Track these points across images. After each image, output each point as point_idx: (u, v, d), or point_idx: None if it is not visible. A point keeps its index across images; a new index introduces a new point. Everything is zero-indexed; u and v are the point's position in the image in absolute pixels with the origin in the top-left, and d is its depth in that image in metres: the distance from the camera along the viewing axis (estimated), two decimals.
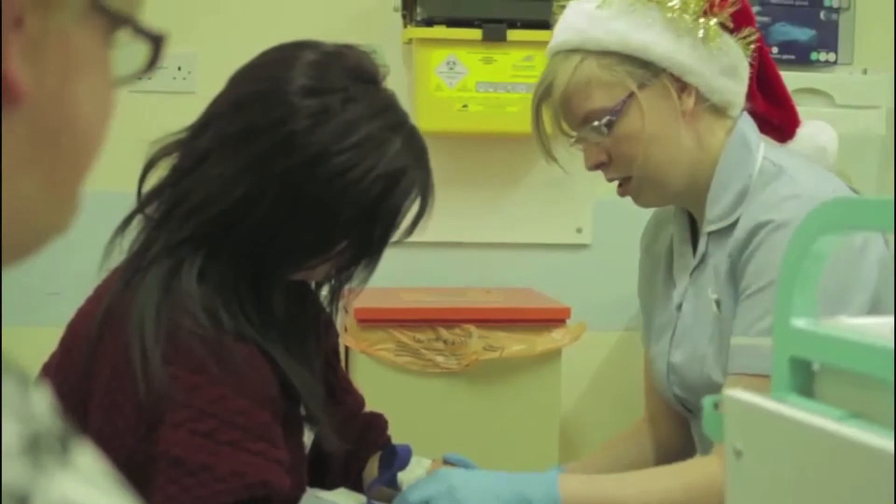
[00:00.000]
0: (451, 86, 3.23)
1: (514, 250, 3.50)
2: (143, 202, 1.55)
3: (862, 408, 0.85)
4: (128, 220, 1.55)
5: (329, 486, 1.78)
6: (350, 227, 1.52)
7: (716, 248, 1.71)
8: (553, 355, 3.07)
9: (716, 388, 1.61)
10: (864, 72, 3.48)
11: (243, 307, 1.50)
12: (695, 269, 1.75)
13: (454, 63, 3.23)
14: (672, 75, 1.69)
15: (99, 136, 0.58)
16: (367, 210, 1.51)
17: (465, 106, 3.24)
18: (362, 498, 1.75)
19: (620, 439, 2.04)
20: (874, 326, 0.90)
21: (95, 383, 1.47)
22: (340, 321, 3.23)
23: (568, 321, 3.10)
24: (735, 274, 1.65)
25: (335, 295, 1.68)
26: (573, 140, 1.77)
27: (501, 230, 3.48)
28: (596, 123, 1.71)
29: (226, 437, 1.42)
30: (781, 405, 0.87)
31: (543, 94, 1.75)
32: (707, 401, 0.93)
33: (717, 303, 1.68)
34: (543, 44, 3.30)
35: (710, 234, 1.72)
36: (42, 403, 0.50)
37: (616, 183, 1.79)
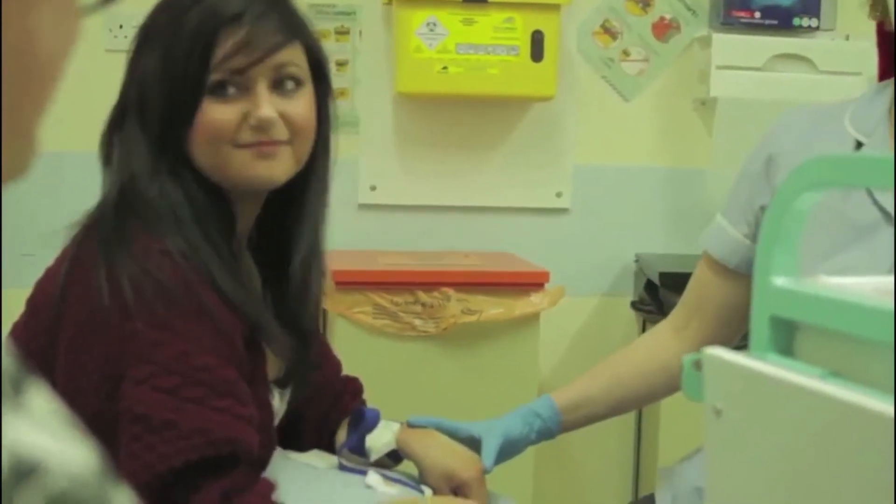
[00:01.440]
0: (432, 47, 3.21)
1: (494, 214, 3.49)
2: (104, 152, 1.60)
3: (842, 366, 0.84)
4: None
5: (302, 448, 1.77)
6: (186, 54, 1.53)
7: None
8: (531, 319, 3.06)
9: None
10: (847, 38, 3.46)
11: (210, 237, 1.51)
12: None
13: (434, 24, 3.20)
14: None
15: (60, 68, 0.56)
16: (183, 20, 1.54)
17: (444, 68, 3.21)
18: (334, 460, 1.74)
19: (630, 361, 1.97)
20: (853, 285, 0.89)
21: (60, 342, 1.46)
22: None
23: (546, 285, 3.10)
24: None
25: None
26: None
27: (481, 194, 3.47)
28: None
29: (190, 393, 1.41)
30: (761, 363, 0.86)
31: None
32: (686, 359, 0.92)
33: None
34: (524, 5, 3.32)
35: None
36: None
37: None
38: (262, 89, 1.52)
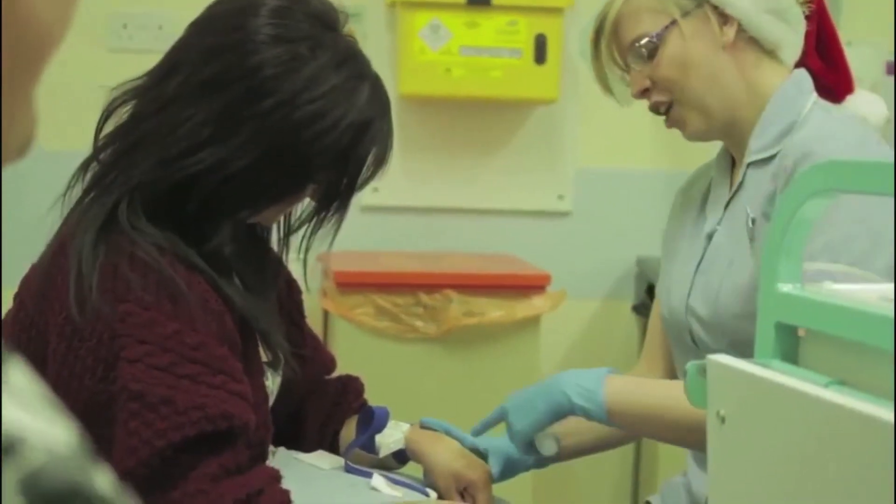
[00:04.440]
0: (435, 49, 3.21)
1: (496, 216, 3.49)
2: (100, 148, 1.55)
3: (846, 374, 0.84)
4: (84, 167, 1.56)
5: (306, 448, 1.77)
6: (317, 175, 1.55)
7: (755, 177, 1.77)
8: (532, 322, 3.06)
9: (741, 315, 1.66)
10: (849, 44, 3.46)
11: (191, 244, 1.52)
12: (731, 199, 1.80)
13: (438, 26, 3.20)
14: (714, 6, 1.77)
15: (57, 39, 0.54)
16: (336, 158, 1.53)
17: (448, 70, 3.22)
18: (340, 461, 1.74)
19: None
20: (859, 292, 0.89)
21: (49, 329, 1.47)
22: (320, 285, 3.22)
23: (548, 288, 3.10)
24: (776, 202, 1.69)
25: (305, 244, 1.69)
26: (622, 70, 1.85)
27: (483, 196, 3.47)
28: (638, 45, 1.78)
29: (184, 371, 1.42)
30: (766, 370, 0.86)
31: (599, 27, 1.83)
32: (691, 366, 0.92)
33: (753, 220, 1.73)
34: (528, 9, 3.32)
35: (749, 164, 1.78)
36: None
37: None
38: None
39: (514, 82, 3.24)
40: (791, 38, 1.80)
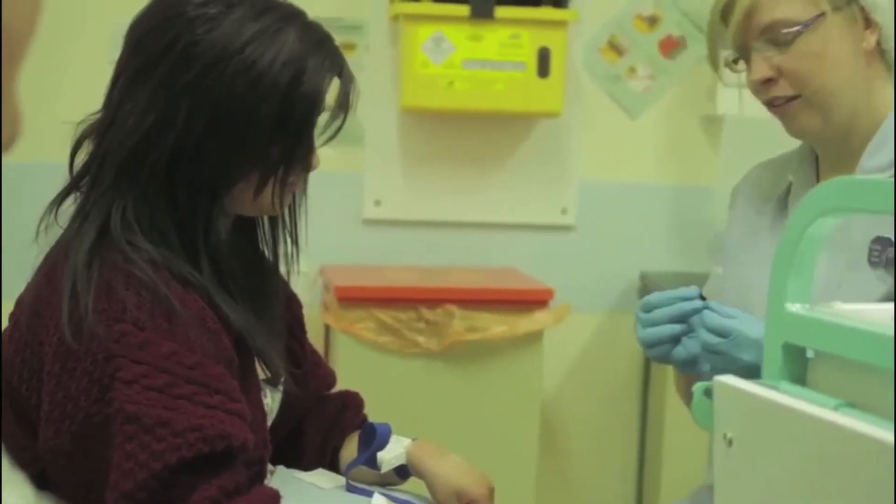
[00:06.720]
0: (438, 63, 3.20)
1: (498, 230, 3.47)
2: (76, 178, 1.56)
3: (856, 396, 0.83)
4: (60, 198, 1.56)
5: (305, 466, 1.75)
6: (272, 125, 1.52)
7: None
8: (535, 337, 3.05)
9: None
10: None
11: (190, 254, 1.51)
12: None
13: (441, 39, 3.19)
14: (862, 7, 1.70)
15: (27, 36, 0.55)
16: (284, 99, 1.52)
17: (451, 83, 3.20)
18: (341, 479, 1.72)
19: None
20: (870, 312, 0.87)
21: (44, 349, 1.45)
22: (321, 299, 3.21)
23: (551, 303, 3.08)
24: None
25: (293, 223, 1.68)
26: (742, 55, 1.75)
27: (486, 210, 3.45)
28: (784, 31, 1.69)
29: (180, 391, 1.41)
30: (775, 393, 0.85)
31: (728, 3, 1.74)
32: (697, 387, 0.91)
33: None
34: (532, 21, 3.31)
35: None
36: None
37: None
38: None
39: (517, 96, 3.23)
40: None
